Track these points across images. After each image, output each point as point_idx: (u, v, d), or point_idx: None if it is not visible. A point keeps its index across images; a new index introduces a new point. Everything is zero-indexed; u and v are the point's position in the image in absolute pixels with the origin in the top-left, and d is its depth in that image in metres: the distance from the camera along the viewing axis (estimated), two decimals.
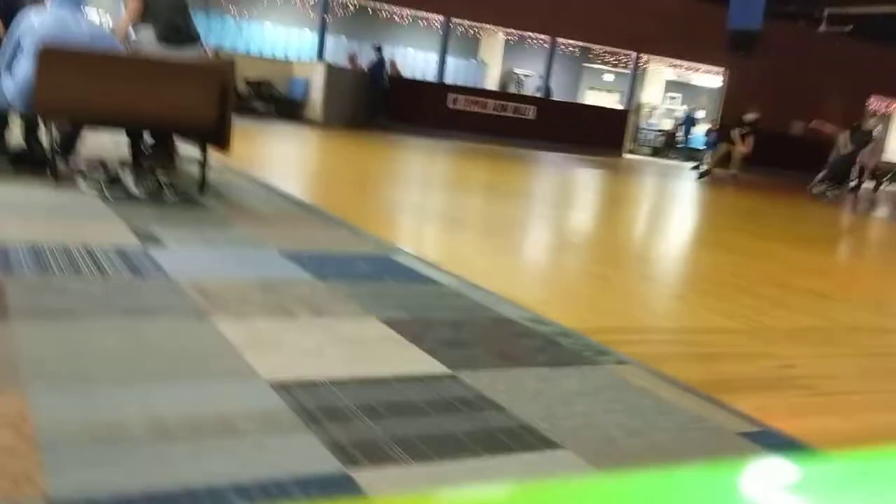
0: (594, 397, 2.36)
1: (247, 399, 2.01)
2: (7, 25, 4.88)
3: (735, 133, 15.14)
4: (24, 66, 4.58)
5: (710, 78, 23.95)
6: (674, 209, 9.83)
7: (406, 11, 19.05)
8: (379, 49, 16.66)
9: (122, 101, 4.68)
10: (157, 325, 2.49)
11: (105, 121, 5.00)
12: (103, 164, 5.54)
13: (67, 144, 5.09)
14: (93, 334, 2.33)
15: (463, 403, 2.18)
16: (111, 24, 5.19)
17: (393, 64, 17.60)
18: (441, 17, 18.09)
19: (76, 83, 4.53)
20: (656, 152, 23.29)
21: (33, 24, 4.63)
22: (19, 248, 3.18)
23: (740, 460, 2.01)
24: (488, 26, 20.13)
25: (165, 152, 5.39)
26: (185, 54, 5.11)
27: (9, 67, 4.69)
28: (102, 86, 4.60)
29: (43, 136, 4.97)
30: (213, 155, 5.33)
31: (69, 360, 2.11)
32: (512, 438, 1.99)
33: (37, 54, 4.41)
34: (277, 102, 16.28)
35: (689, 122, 22.32)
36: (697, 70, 23.48)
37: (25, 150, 5.31)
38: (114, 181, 4.74)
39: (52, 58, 4.45)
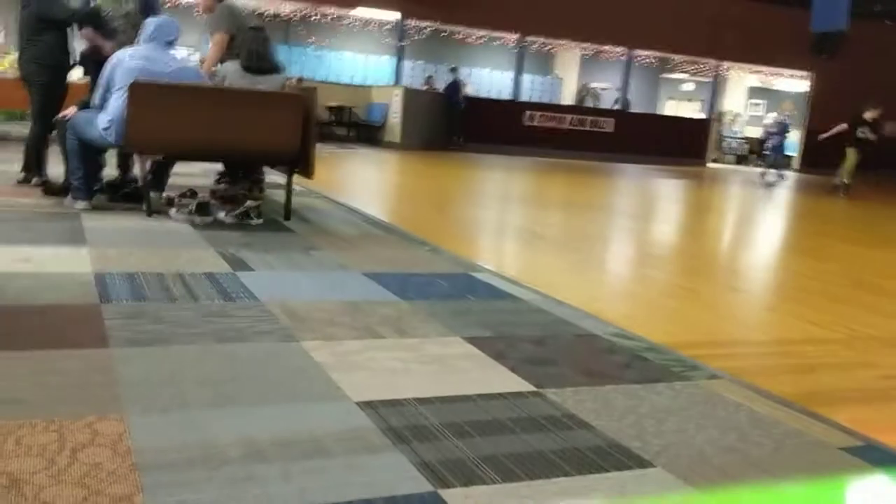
0: (686, 413, 2.30)
1: (336, 419, 2.04)
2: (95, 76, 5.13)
3: (865, 132, 13.72)
4: (116, 102, 4.79)
5: (794, 82, 23.25)
6: (759, 217, 9.54)
7: (480, 32, 19.18)
8: (454, 70, 16.81)
9: (210, 133, 4.85)
10: (249, 349, 2.55)
11: (194, 153, 5.18)
12: (192, 193, 5.74)
13: (159, 176, 5.30)
14: (187, 358, 2.41)
15: (550, 421, 2.15)
16: (199, 59, 5.41)
17: (463, 84, 17.70)
18: (515, 36, 18.13)
19: (165, 117, 4.72)
20: (741, 160, 22.71)
21: (123, 60, 4.85)
22: (116, 276, 3.32)
23: (844, 477, 1.93)
24: (563, 42, 20.07)
25: (251, 179, 5.55)
26: (268, 83, 5.25)
27: (103, 104, 4.92)
28: (190, 118, 4.77)
29: (136, 168, 5.18)
30: (298, 180, 5.45)
31: (165, 384, 2.18)
32: (602, 457, 1.95)
33: (128, 89, 4.61)
34: (357, 127, 16.59)
35: (783, 129, 21.30)
36: (781, 75, 22.83)
37: (120, 183, 5.55)
38: (202, 209, 4.91)
39: (142, 92, 4.64)
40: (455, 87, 16.44)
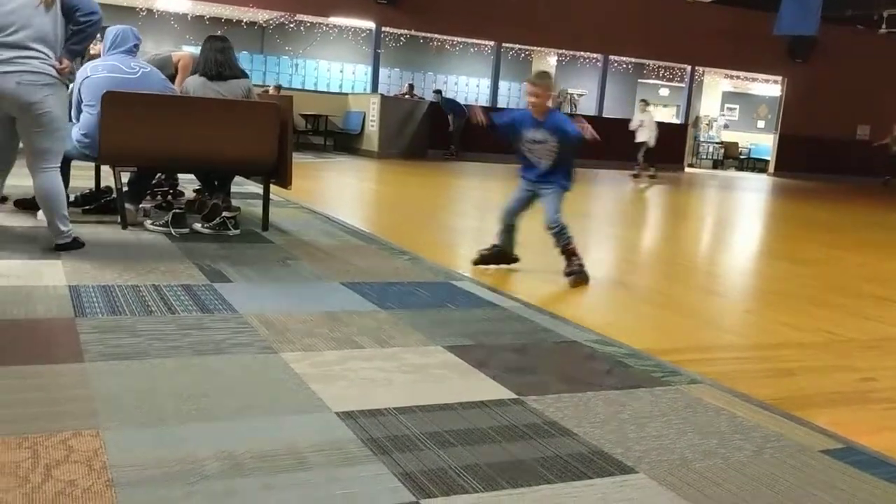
0: (667, 419, 2.30)
1: (316, 431, 2.02)
2: None
3: None
4: (89, 117, 4.75)
5: (768, 87, 23.49)
6: (737, 221, 9.62)
7: (457, 39, 19.21)
8: (439, 92, 16.95)
9: (185, 144, 4.81)
10: (227, 361, 2.52)
11: (168, 164, 5.13)
12: (168, 203, 5.69)
13: (137, 188, 5.24)
14: (164, 372, 2.38)
15: (532, 429, 2.14)
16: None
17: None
18: (492, 43, 18.17)
19: (139, 128, 4.67)
20: (717, 165, 22.92)
21: (89, 75, 4.83)
22: (91, 289, 3.27)
23: (825, 479, 1.93)
24: (540, 49, 20.15)
25: (225, 190, 5.51)
26: (230, 88, 5.23)
27: (77, 118, 4.87)
28: (164, 129, 4.73)
29: (112, 180, 5.12)
30: (276, 190, 5.42)
31: (142, 399, 2.15)
32: (585, 464, 1.95)
33: (101, 100, 4.56)
34: (334, 136, 16.54)
35: None
36: (755, 80, 23.06)
37: (93, 195, 5.49)
38: (178, 220, 4.86)
39: (114, 103, 4.59)
40: (454, 102, 16.46)
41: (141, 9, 18.32)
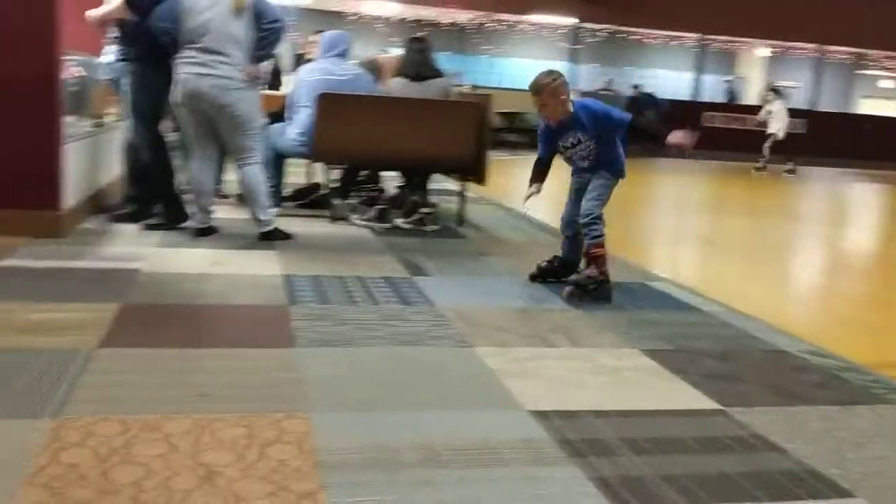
0: (890, 439, 2.10)
1: (510, 428, 2.02)
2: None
3: None
4: (303, 117, 5.06)
5: None
6: None
7: (658, 33, 18.64)
8: (637, 87, 16.54)
9: (390, 143, 5.00)
10: (425, 353, 2.59)
11: (375, 162, 5.35)
12: (372, 200, 5.94)
13: (345, 185, 5.52)
14: (368, 360, 2.48)
15: (736, 442, 2.03)
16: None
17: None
18: (695, 36, 17.47)
19: (349, 128, 4.92)
20: None
21: (304, 78, 5.15)
22: (302, 279, 3.48)
23: None
24: (747, 40, 19.12)
25: (423, 187, 5.67)
26: (430, 88, 5.36)
27: (291, 117, 5.21)
28: (372, 129, 4.94)
29: (322, 177, 5.43)
30: (470, 187, 5.51)
31: (347, 385, 2.25)
32: (796, 483, 1.81)
33: (316, 101, 4.84)
34: (530, 133, 16.57)
35: None
36: None
37: (306, 191, 5.84)
38: (382, 215, 5.07)
39: (328, 104, 4.86)
40: (652, 97, 16.03)
41: (350, 14, 19.30)
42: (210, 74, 4.05)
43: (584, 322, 3.08)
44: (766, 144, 13.08)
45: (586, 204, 3.56)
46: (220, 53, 4.06)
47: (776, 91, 13.83)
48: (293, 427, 1.94)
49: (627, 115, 3.61)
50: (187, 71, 4.07)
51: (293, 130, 5.12)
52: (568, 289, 3.47)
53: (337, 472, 1.73)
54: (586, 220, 3.52)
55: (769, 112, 13.28)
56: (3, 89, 3.83)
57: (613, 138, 3.60)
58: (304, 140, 5.07)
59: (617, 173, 3.65)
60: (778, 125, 13.02)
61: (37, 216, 3.92)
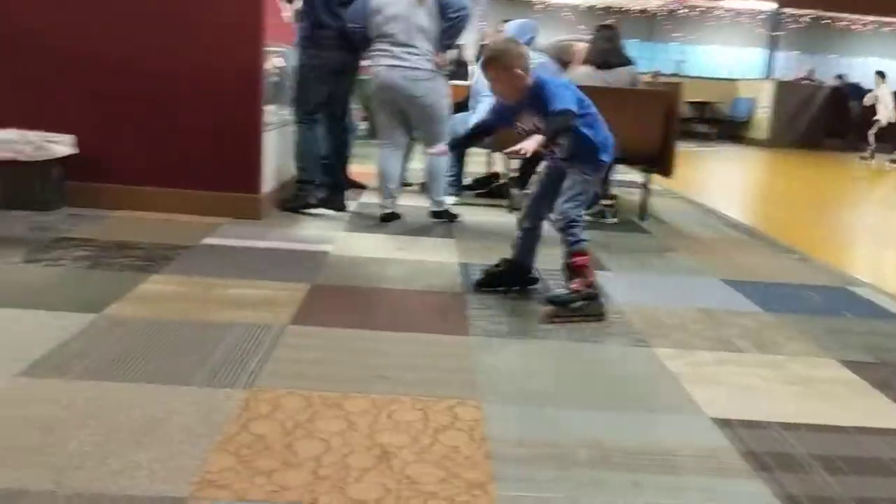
0: None
1: (688, 434, 1.94)
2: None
3: None
4: (485, 105, 5.08)
5: None
6: None
7: (868, 18, 17.20)
8: (840, 77, 15.38)
9: None
10: (601, 350, 2.53)
11: None
12: None
13: (524, 174, 5.51)
14: (541, 354, 2.46)
15: None
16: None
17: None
18: None
19: None
20: None
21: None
22: (478, 268, 3.50)
23: None
24: None
25: (604, 178, 5.56)
26: (616, 76, 5.21)
27: (473, 108, 5.26)
28: None
29: (501, 167, 5.45)
30: (654, 179, 5.34)
31: (520, 377, 2.24)
32: None
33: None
34: (719, 124, 15.84)
35: None
36: None
37: (485, 180, 5.88)
38: None
39: None
40: (858, 87, 14.93)
41: (537, 2, 19.24)
42: (401, 66, 4.19)
43: (775, 328, 2.90)
44: (871, 131, 12.20)
45: (562, 205, 2.91)
46: (409, 45, 4.19)
47: (881, 74, 12.66)
48: (466, 414, 1.95)
49: (567, 106, 2.80)
50: (380, 63, 4.24)
51: (476, 120, 5.16)
52: (546, 308, 2.86)
53: (507, 463, 1.72)
54: (562, 224, 2.90)
55: (876, 97, 12.25)
56: (214, 78, 4.12)
57: (575, 127, 2.86)
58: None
59: (596, 167, 2.99)
60: (885, 111, 12.03)
61: (238, 198, 4.21)
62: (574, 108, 2.83)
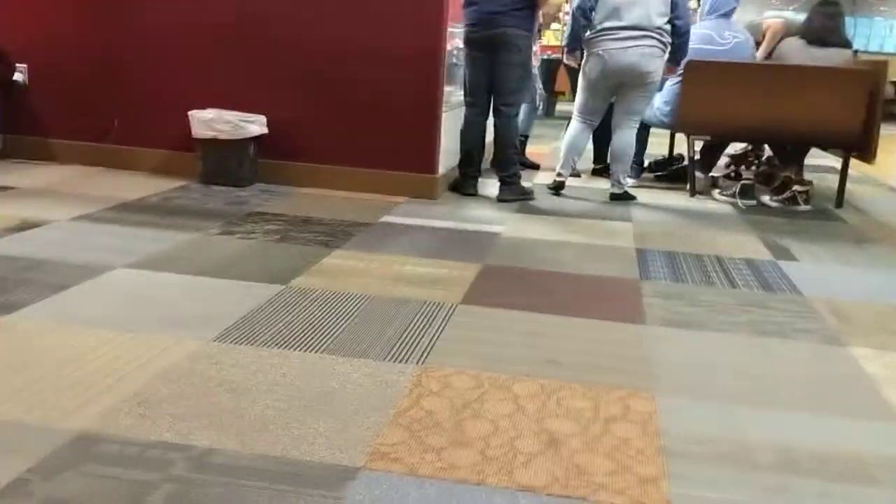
0: None
1: (884, 443, 1.77)
2: None
3: None
4: (671, 86, 4.88)
5: None
6: None
7: None
8: None
9: (763, 113, 4.64)
10: (788, 347, 2.38)
11: (744, 134, 5.02)
12: (737, 174, 5.59)
13: (708, 158, 5.25)
14: (722, 347, 2.34)
15: None
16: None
17: None
18: None
19: (717, 97, 4.65)
20: None
21: None
22: (655, 254, 3.39)
23: None
24: None
25: (798, 162, 5.20)
26: (828, 57, 4.82)
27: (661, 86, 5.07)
28: (743, 98, 4.62)
29: (686, 149, 5.24)
30: (854, 165, 4.94)
31: (697, 370, 2.14)
32: None
33: (683, 71, 4.65)
34: None
35: None
36: None
37: (665, 162, 5.67)
38: (746, 191, 4.74)
39: (697, 73, 4.64)
40: None
41: None
42: (637, 46, 4.27)
43: None
44: None
45: None
46: (640, 28, 4.26)
47: None
48: (638, 406, 1.89)
49: None
50: (611, 47, 4.30)
51: (659, 99, 4.97)
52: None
53: (681, 461, 1.65)
54: None
55: None
56: (397, 60, 4.21)
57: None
58: (667, 110, 4.92)
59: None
60: None
61: (416, 178, 4.30)
62: None
